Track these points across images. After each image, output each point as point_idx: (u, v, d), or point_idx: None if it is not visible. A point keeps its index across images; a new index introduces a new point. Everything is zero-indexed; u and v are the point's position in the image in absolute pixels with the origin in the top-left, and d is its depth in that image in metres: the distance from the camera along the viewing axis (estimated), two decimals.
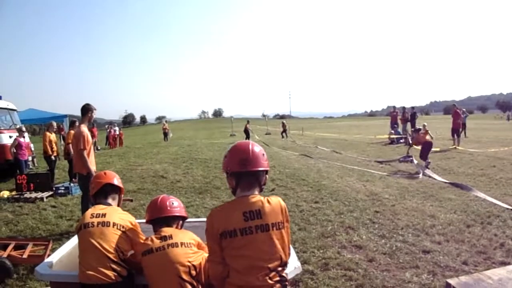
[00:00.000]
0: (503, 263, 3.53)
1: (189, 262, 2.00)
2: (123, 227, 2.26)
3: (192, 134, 34.82)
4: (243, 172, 1.76)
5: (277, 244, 1.72)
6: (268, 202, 1.76)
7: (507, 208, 5.47)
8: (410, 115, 17.62)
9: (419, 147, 10.19)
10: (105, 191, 2.49)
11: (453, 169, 9.20)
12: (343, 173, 9.04)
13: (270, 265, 1.69)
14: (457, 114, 14.70)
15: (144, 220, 2.41)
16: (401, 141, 15.81)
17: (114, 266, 2.10)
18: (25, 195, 7.22)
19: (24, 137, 9.26)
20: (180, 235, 2.12)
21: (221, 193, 7.32)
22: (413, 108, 18.54)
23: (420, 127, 10.94)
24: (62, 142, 14.62)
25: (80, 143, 4.82)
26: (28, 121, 15.17)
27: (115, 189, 2.55)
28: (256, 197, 1.76)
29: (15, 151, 8.77)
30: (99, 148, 18.79)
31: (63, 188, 7.66)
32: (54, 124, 9.71)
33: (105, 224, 2.22)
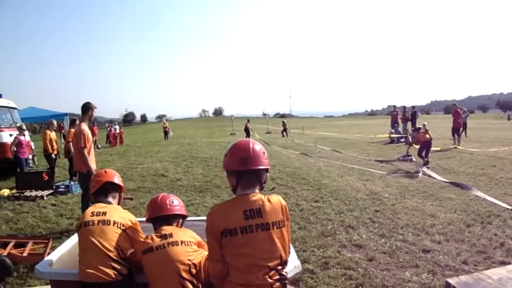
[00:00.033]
0: (503, 263, 3.53)
1: (189, 260, 2.00)
2: (123, 225, 2.26)
3: (192, 132, 34.83)
4: (243, 170, 1.76)
5: (277, 243, 1.71)
6: (269, 200, 1.75)
7: (507, 208, 5.47)
8: (410, 115, 17.61)
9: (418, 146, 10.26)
10: (106, 190, 2.49)
11: (453, 169, 9.20)
12: (343, 172, 9.04)
13: (270, 264, 1.68)
14: (458, 113, 14.69)
15: (144, 219, 2.41)
16: (402, 140, 15.81)
17: (114, 264, 2.10)
18: (25, 193, 7.23)
19: (24, 135, 9.26)
20: (180, 234, 2.12)
21: (221, 191, 7.32)
22: (413, 107, 18.54)
23: (420, 126, 10.96)
24: (63, 140, 14.64)
25: (80, 141, 4.82)
26: (28, 120, 15.18)
27: (116, 188, 2.55)
28: (257, 196, 1.76)
29: (15, 149, 8.77)
30: (99, 146, 18.80)
31: (63, 186, 7.66)
32: (55, 122, 9.71)
33: (106, 222, 2.22)
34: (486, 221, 4.95)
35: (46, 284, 3.28)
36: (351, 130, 28.54)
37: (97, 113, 5.24)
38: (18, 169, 8.80)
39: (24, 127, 9.61)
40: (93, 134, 11.73)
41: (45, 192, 7.31)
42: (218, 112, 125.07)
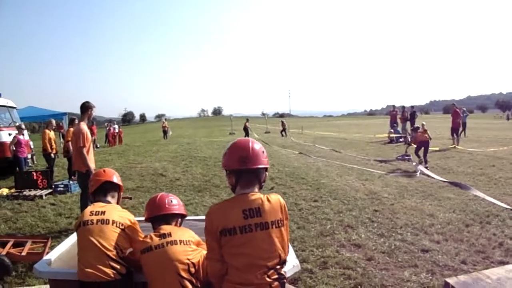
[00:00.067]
0: (502, 263, 3.53)
1: (188, 259, 2.00)
2: (122, 225, 2.26)
3: (191, 132, 34.81)
4: (243, 169, 1.76)
5: (276, 242, 1.71)
6: (268, 200, 1.75)
7: (506, 208, 5.47)
8: (409, 114, 17.62)
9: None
10: (104, 189, 2.49)
11: (452, 168, 9.22)
12: (342, 172, 9.04)
13: (269, 263, 1.69)
14: (457, 113, 14.70)
15: (143, 218, 2.41)
16: (401, 140, 15.82)
17: (113, 264, 2.10)
18: (24, 193, 7.22)
19: (23, 134, 9.24)
20: (179, 233, 2.12)
21: (220, 191, 7.31)
22: (412, 107, 18.55)
23: (419, 126, 10.99)
24: (62, 139, 14.62)
25: (79, 140, 4.82)
26: (27, 119, 15.17)
27: (115, 187, 2.55)
28: (256, 195, 1.75)
29: (14, 148, 8.76)
30: (98, 146, 18.77)
31: (62, 185, 7.64)
32: (54, 121, 9.70)
33: (104, 222, 2.22)
34: (485, 220, 4.95)
35: (45, 283, 3.28)
36: (350, 130, 28.55)
37: (96, 112, 5.24)
38: (17, 168, 8.78)
39: (23, 126, 9.59)
40: (92, 134, 11.71)
41: (44, 192, 7.30)
42: (217, 112, 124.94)
